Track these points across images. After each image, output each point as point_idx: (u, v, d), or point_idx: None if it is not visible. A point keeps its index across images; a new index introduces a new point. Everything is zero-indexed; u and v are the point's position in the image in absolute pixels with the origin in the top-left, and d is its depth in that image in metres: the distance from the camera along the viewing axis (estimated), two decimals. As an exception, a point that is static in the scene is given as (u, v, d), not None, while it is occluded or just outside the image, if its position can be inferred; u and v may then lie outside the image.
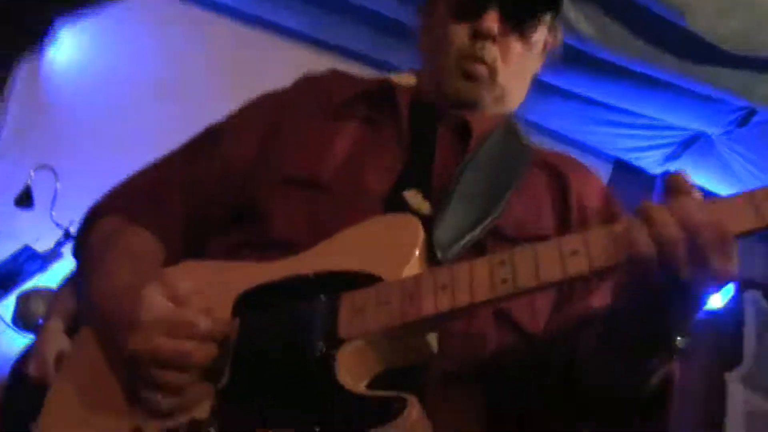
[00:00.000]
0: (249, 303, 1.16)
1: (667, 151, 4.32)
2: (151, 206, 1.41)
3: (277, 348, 1.08)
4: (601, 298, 1.24)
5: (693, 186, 0.92)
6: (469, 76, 1.41)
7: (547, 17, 1.47)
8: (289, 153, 1.38)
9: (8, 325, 3.84)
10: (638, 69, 3.58)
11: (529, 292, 0.97)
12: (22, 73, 4.19)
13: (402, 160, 1.33)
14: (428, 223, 1.17)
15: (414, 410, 0.93)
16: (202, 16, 4.30)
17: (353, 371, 1.02)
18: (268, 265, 1.20)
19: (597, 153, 4.38)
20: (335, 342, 1.04)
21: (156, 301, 1.09)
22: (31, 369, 3.30)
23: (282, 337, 1.09)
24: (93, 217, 1.44)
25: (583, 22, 3.12)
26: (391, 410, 0.93)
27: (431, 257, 1.13)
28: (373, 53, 4.03)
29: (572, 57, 3.33)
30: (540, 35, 1.48)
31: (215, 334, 1.08)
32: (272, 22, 4.23)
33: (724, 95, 3.61)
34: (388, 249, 1.12)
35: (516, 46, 1.43)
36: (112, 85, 4.22)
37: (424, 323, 1.01)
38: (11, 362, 3.56)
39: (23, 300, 3.74)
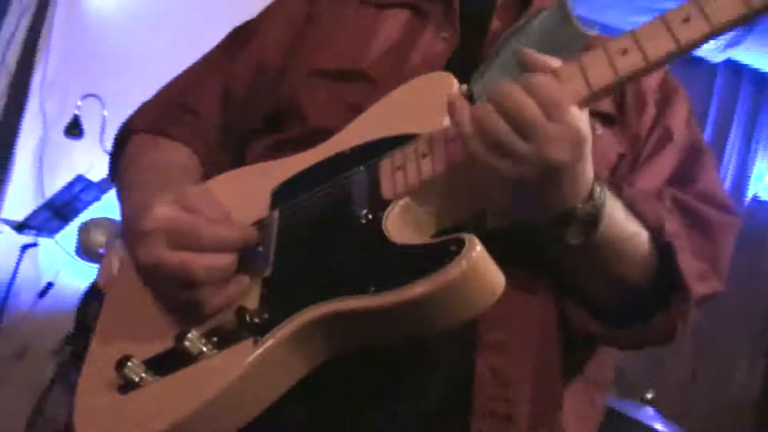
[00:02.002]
0: (287, 193, 1.12)
1: (728, 37, 4.13)
2: (184, 119, 1.34)
3: (321, 226, 1.03)
4: (644, 179, 1.18)
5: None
6: None
7: None
8: (325, 44, 1.29)
9: (71, 256, 3.92)
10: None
11: None
12: (62, 4, 4.16)
13: (451, 47, 1.23)
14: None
15: (474, 248, 0.86)
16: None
17: (405, 232, 0.96)
18: (305, 154, 1.15)
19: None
20: (380, 204, 0.98)
21: (161, 210, 1.02)
22: (99, 278, 3.42)
23: (324, 213, 1.04)
24: (125, 135, 1.39)
25: None
26: (449, 252, 0.87)
27: None
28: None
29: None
30: None
31: (224, 241, 1.01)
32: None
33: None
34: (423, 106, 1.05)
35: None
36: (157, 12, 4.17)
37: (468, 167, 0.94)
38: (77, 292, 3.67)
39: (84, 231, 3.81)
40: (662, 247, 1.07)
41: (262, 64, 1.35)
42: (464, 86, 1.06)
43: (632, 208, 1.07)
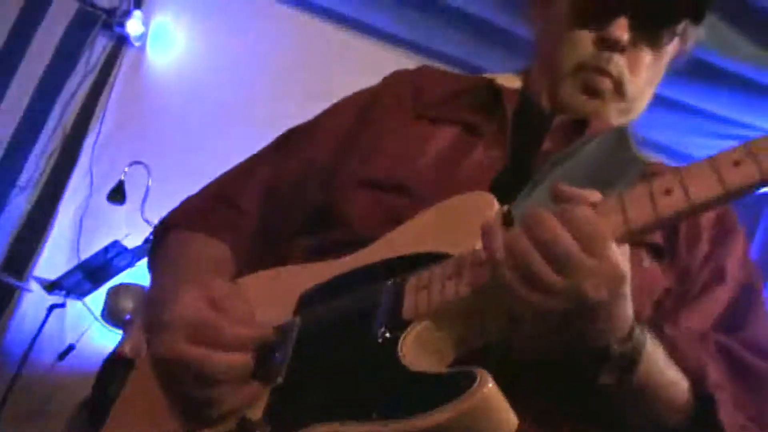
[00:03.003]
0: (313, 299, 1.10)
1: (779, 165, 4.08)
2: (224, 214, 1.35)
3: (338, 339, 1.01)
4: (689, 320, 1.13)
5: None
6: (592, 91, 1.24)
7: (683, 24, 1.26)
8: (373, 154, 1.28)
9: (97, 319, 3.91)
10: (750, 76, 3.38)
11: None
12: (125, 69, 4.28)
13: (499, 167, 1.19)
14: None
15: (484, 384, 0.82)
16: (300, 19, 4.31)
17: (422, 355, 0.93)
18: (339, 261, 1.13)
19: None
20: (400, 324, 0.94)
21: (186, 302, 1.01)
22: (126, 348, 3.39)
23: (343, 326, 1.01)
24: (164, 229, 1.40)
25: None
26: (459, 387, 0.82)
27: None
28: (468, 57, 3.94)
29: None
30: (673, 45, 1.28)
31: (245, 341, 0.99)
32: (367, 23, 4.20)
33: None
34: (460, 225, 1.02)
35: (646, 56, 1.25)
36: (211, 86, 4.27)
37: (495, 294, 0.89)
38: (100, 356, 3.64)
39: (113, 295, 3.82)
40: (704, 396, 1.02)
41: (310, 167, 1.34)
42: (505, 207, 1.02)
43: (673, 350, 1.02)
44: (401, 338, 0.93)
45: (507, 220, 0.97)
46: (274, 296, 1.13)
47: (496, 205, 1.02)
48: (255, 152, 1.45)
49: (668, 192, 0.83)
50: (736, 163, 0.80)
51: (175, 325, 0.99)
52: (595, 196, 0.89)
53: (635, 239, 0.87)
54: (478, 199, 1.05)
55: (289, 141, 1.42)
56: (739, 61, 3.30)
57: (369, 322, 0.98)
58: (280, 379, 1.01)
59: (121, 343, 3.55)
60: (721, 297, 1.16)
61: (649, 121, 1.36)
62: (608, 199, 0.88)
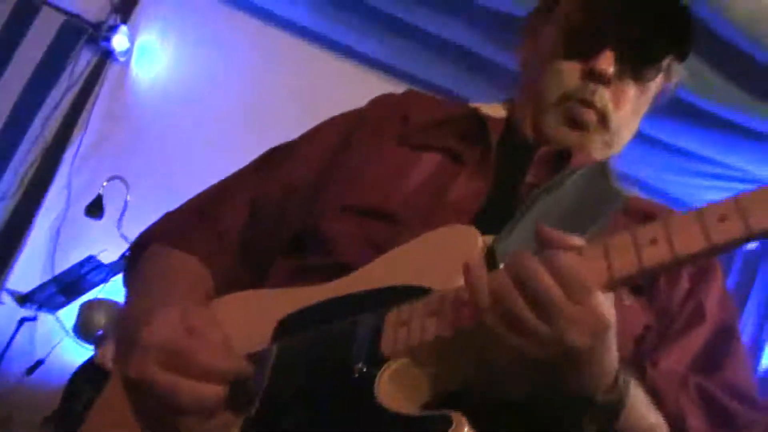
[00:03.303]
0: (291, 327, 1.08)
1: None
2: (204, 232, 1.33)
3: (314, 371, 0.99)
4: (669, 359, 1.13)
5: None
6: (575, 123, 1.24)
7: (668, 60, 1.28)
8: (357, 179, 1.27)
9: (68, 334, 3.87)
10: (730, 117, 3.43)
11: None
12: (109, 83, 4.26)
13: (482, 198, 1.19)
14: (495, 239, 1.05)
15: (460, 430, 0.80)
16: (286, 41, 4.33)
17: (398, 393, 0.91)
18: (318, 288, 1.11)
19: (677, 203, 4.22)
20: (377, 360, 0.93)
21: (163, 326, 0.99)
22: (106, 359, 3.37)
23: (320, 358, 1.00)
24: (143, 243, 1.38)
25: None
26: (434, 431, 0.82)
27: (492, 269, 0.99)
28: (453, 86, 3.97)
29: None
30: (658, 78, 1.29)
31: (219, 371, 0.97)
32: (355, 49, 4.22)
33: (821, 152, 3.43)
34: (443, 260, 1.01)
35: (630, 89, 1.25)
36: (194, 103, 4.27)
37: (477, 335, 0.88)
38: (70, 371, 3.60)
39: (85, 310, 3.79)
40: None
41: (293, 187, 1.33)
42: (488, 239, 1.01)
43: (654, 394, 1.02)
44: (378, 375, 0.92)
45: (490, 258, 0.97)
46: (251, 319, 1.11)
47: (480, 240, 1.01)
48: (237, 170, 1.43)
49: (653, 242, 0.82)
50: (722, 218, 0.79)
51: (149, 347, 0.97)
52: (578, 241, 0.88)
53: (617, 288, 0.86)
54: (462, 233, 1.04)
55: (272, 160, 1.40)
56: (715, 102, 3.35)
57: (346, 356, 0.96)
58: (253, 410, 1.00)
59: (97, 354, 3.52)
60: (700, 336, 1.17)
61: (626, 156, 1.37)
62: (593, 246, 0.86)
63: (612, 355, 0.89)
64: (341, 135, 1.36)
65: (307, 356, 1.02)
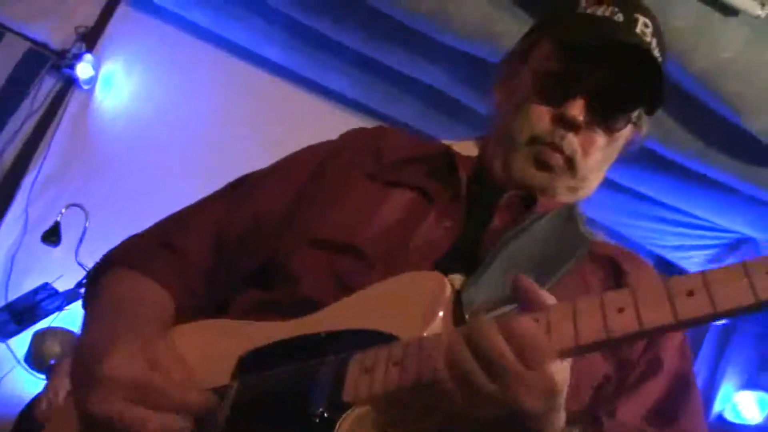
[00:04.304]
0: (253, 364, 1.07)
1: (711, 252, 4.21)
2: (167, 258, 1.32)
3: (275, 412, 0.99)
4: (626, 409, 1.14)
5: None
6: (543, 165, 1.26)
7: (637, 112, 1.31)
8: (326, 213, 1.27)
9: (19, 363, 3.78)
10: (691, 166, 3.50)
11: None
12: (71, 111, 4.23)
13: (452, 237, 1.20)
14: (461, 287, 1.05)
15: None
16: (251, 72, 4.33)
17: None
18: (283, 324, 1.11)
19: (638, 248, 4.28)
20: (339, 406, 0.93)
21: (125, 360, 0.98)
22: (39, 410, 3.25)
23: (282, 399, 0.99)
24: (104, 266, 1.36)
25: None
26: None
27: (459, 319, 1.00)
28: (419, 124, 3.99)
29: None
30: (628, 129, 1.32)
31: (185, 404, 0.97)
32: (322, 84, 4.24)
33: (777, 201, 3.51)
34: (410, 307, 1.00)
35: (600, 138, 1.28)
36: (157, 133, 4.25)
37: (433, 391, 0.88)
38: (20, 401, 3.51)
39: (38, 339, 3.69)
40: None
41: (260, 219, 1.32)
42: (456, 281, 1.02)
43: None
44: (339, 421, 0.92)
45: (457, 307, 0.99)
46: (211, 352, 1.10)
47: (448, 290, 1.01)
48: (203, 197, 1.42)
49: (621, 311, 0.81)
50: (690, 293, 0.78)
51: (113, 382, 0.97)
52: (550, 299, 0.89)
53: (582, 354, 0.86)
54: (430, 280, 1.04)
55: (241, 189, 1.39)
56: (675, 149, 3.41)
57: (307, 399, 0.96)
58: None
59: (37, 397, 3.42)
60: (657, 386, 1.18)
61: (591, 200, 1.39)
62: (560, 307, 0.87)
63: (560, 415, 0.90)
64: (313, 167, 1.36)
65: (268, 396, 1.01)
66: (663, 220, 4.08)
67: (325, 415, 0.93)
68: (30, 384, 3.71)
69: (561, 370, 0.85)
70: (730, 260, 4.17)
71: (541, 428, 0.88)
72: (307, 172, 1.36)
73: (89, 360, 1.04)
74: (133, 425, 0.94)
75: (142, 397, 0.95)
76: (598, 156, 1.29)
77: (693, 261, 4.30)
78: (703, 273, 0.79)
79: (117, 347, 0.99)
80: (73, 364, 1.15)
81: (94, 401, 0.97)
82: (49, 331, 3.73)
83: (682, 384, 1.20)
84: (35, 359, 3.70)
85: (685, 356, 1.25)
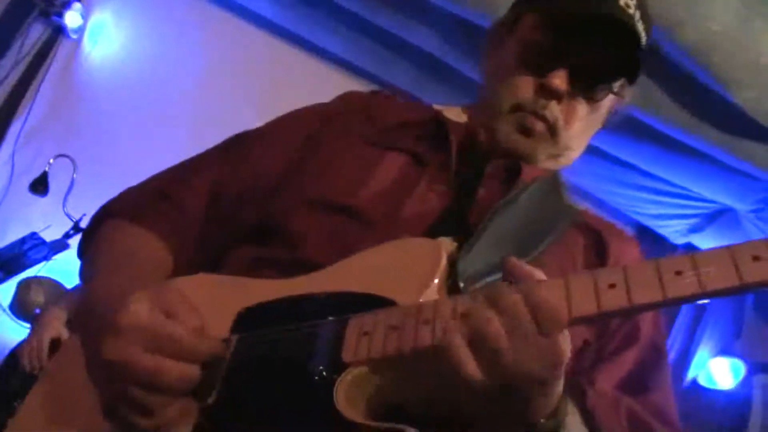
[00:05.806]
0: (252, 320, 1.09)
1: (692, 222, 4.25)
2: (166, 211, 1.33)
3: (274, 368, 1.00)
4: (604, 378, 1.18)
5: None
6: (525, 131, 1.30)
7: (619, 82, 1.35)
8: (323, 174, 1.30)
9: (4, 311, 3.80)
10: (675, 135, 3.53)
11: None
12: (60, 60, 4.20)
13: (443, 202, 1.24)
14: (455, 254, 1.08)
15: None
16: (243, 28, 4.30)
17: (355, 400, 0.93)
18: (281, 282, 1.12)
19: (619, 215, 4.32)
20: (338, 366, 0.94)
21: (141, 309, 0.98)
22: (24, 356, 3.27)
23: (280, 357, 1.01)
24: (102, 217, 1.37)
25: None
26: None
27: (453, 287, 1.03)
28: (412, 89, 3.99)
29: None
30: (609, 99, 1.36)
31: (201, 353, 0.99)
32: (314, 43, 4.22)
33: (759, 172, 3.54)
34: (407, 273, 1.03)
35: (582, 107, 1.32)
36: (145, 85, 4.22)
37: (434, 354, 0.89)
38: (3, 348, 3.53)
39: (23, 287, 3.71)
40: None
41: (257, 176, 1.35)
42: (450, 246, 1.05)
43: (591, 417, 1.07)
44: (338, 380, 0.93)
45: (451, 275, 1.01)
46: (211, 306, 1.10)
47: (444, 258, 1.04)
48: (200, 153, 1.44)
49: (612, 287, 0.84)
50: (678, 273, 0.81)
51: (131, 330, 0.97)
52: (540, 275, 0.91)
53: (575, 325, 0.87)
54: (428, 248, 1.07)
55: (237, 147, 1.41)
56: (659, 118, 3.44)
57: (306, 358, 0.97)
58: (210, 400, 1.00)
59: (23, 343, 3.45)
60: (632, 355, 1.22)
61: (573, 166, 1.43)
62: (554, 281, 0.88)
63: (561, 385, 0.92)
64: (310, 128, 1.38)
65: (266, 353, 1.02)
66: (644, 188, 4.10)
67: (324, 373, 0.95)
68: (14, 332, 3.73)
69: (567, 341, 0.87)
70: (709, 230, 4.23)
71: (543, 397, 0.90)
72: (305, 133, 1.38)
73: (103, 309, 1.05)
74: (152, 373, 0.95)
75: (160, 346, 0.97)
76: (580, 125, 1.34)
77: (673, 229, 4.34)
78: (692, 254, 0.82)
79: (132, 296, 1.00)
80: (80, 314, 1.16)
81: (111, 349, 0.98)
82: (35, 280, 3.75)
83: (654, 353, 1.24)
84: (20, 308, 3.72)
85: (658, 325, 1.29)
